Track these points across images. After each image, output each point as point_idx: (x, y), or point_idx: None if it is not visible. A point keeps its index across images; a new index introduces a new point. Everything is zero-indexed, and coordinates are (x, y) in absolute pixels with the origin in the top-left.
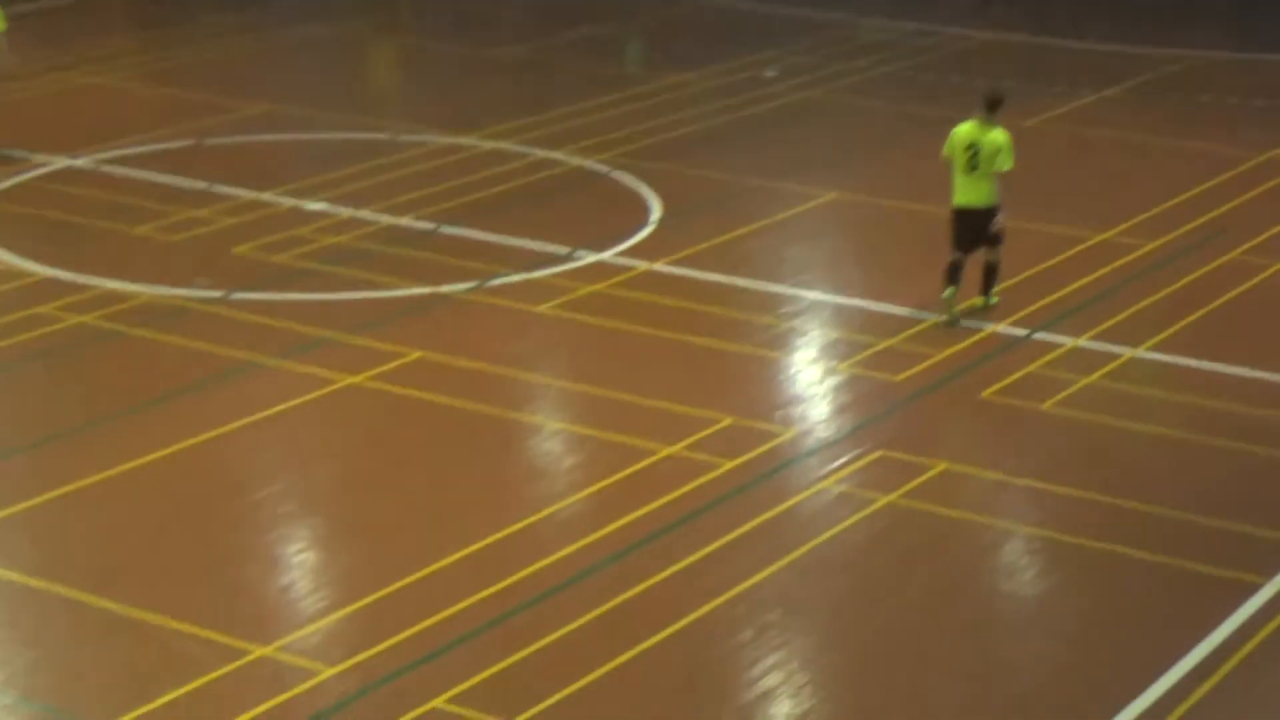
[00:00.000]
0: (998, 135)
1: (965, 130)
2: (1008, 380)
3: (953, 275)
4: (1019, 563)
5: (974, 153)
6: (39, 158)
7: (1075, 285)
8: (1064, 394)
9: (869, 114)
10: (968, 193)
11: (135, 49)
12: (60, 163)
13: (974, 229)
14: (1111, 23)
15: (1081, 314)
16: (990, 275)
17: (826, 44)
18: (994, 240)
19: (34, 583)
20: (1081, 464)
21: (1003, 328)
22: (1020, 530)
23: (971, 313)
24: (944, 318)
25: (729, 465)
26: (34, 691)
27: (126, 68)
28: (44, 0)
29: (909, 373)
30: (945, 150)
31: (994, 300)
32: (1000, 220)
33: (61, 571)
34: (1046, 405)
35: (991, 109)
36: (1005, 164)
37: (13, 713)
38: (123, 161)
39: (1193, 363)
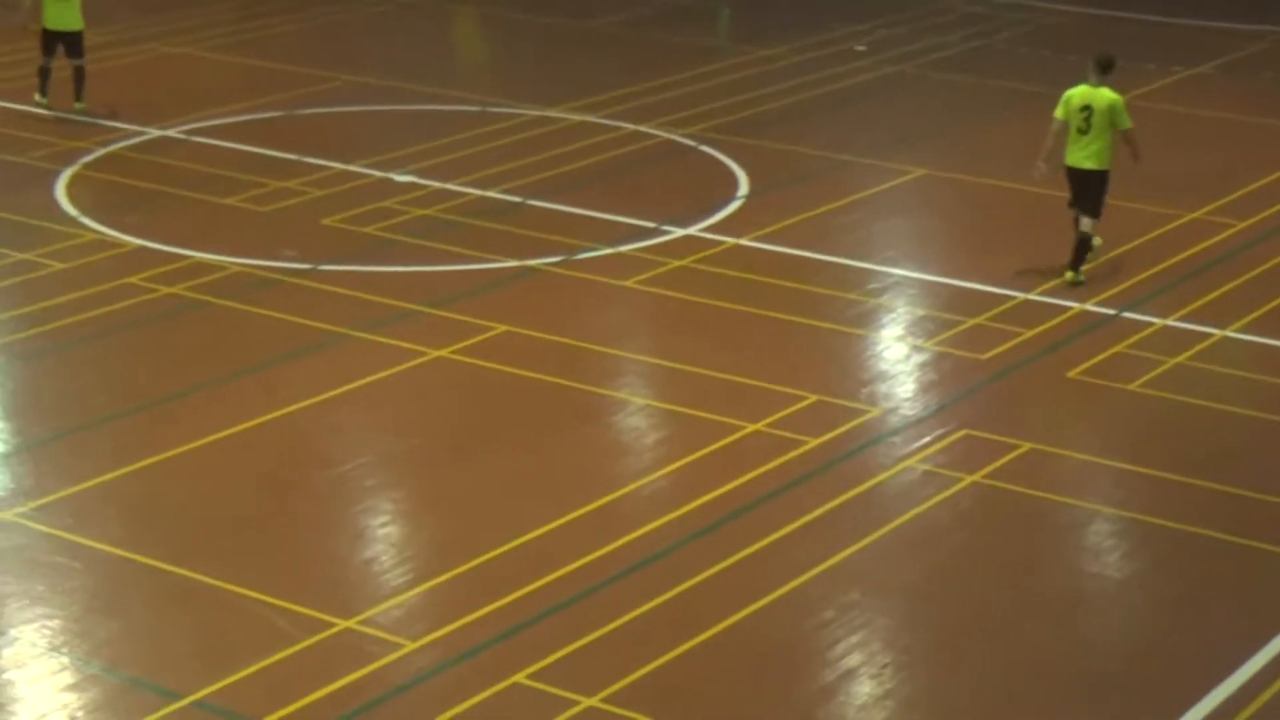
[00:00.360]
0: (1110, 96)
1: (1079, 92)
2: (1095, 360)
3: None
4: (1104, 544)
5: (1088, 114)
6: (130, 127)
7: (1165, 264)
8: (1152, 374)
9: (960, 89)
10: (1080, 154)
11: (227, 19)
12: (151, 132)
13: (1082, 189)
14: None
15: (1171, 293)
16: (1081, 249)
17: (917, 18)
18: (1092, 211)
19: (119, 553)
20: (1168, 445)
21: (1091, 306)
22: (1105, 511)
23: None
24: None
25: (814, 442)
26: (118, 662)
27: (218, 38)
28: None
29: (995, 351)
30: (1059, 112)
31: (1080, 279)
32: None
33: (146, 542)
34: (1134, 385)
35: (1104, 71)
36: (1124, 123)
37: (97, 683)
38: (213, 132)
39: None
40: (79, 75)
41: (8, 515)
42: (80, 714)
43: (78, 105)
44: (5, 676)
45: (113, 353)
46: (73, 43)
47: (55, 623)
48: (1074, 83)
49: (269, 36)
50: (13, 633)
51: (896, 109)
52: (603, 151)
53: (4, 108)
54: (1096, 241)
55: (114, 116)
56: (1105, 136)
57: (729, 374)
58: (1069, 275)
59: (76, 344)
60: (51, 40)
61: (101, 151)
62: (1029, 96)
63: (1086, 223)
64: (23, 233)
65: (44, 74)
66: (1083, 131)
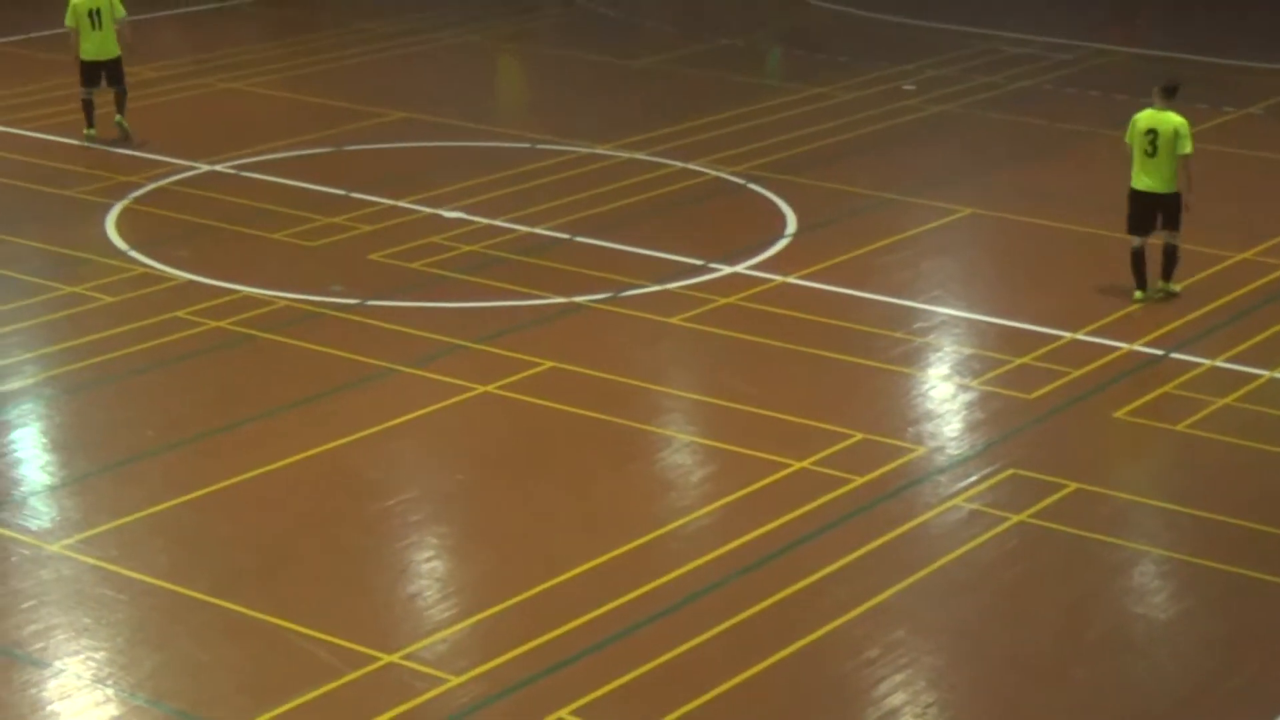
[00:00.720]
0: (1176, 120)
1: (1145, 117)
2: (1143, 400)
3: (1138, 272)
4: (1151, 585)
5: (1153, 138)
6: (180, 162)
7: (1213, 305)
8: (1199, 415)
9: (1008, 129)
10: (1147, 177)
11: (276, 55)
12: (201, 167)
13: (1151, 213)
14: (1252, 39)
15: (1219, 334)
16: (1170, 260)
17: (966, 58)
18: (1173, 223)
19: (165, 585)
20: (1216, 486)
21: (1139, 346)
22: (1153, 552)
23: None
24: (1142, 295)
25: (859, 481)
26: (163, 694)
27: (267, 73)
28: (188, 6)
29: (1042, 390)
30: (1126, 136)
31: (1175, 289)
32: (1186, 202)
33: (192, 575)
34: (1181, 426)
35: (1169, 95)
36: (1185, 148)
37: (142, 715)
38: (263, 167)
39: None
40: (121, 98)
41: (55, 547)
42: None
43: (118, 119)
44: (51, 708)
45: (160, 386)
46: (113, 70)
47: (101, 654)
48: (1123, 122)
49: (320, 73)
50: (58, 664)
51: (944, 148)
52: (650, 189)
53: (55, 142)
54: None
55: (144, 147)
56: (1172, 160)
57: (775, 411)
58: (1161, 285)
59: (124, 377)
60: (93, 71)
61: (151, 186)
62: (1077, 136)
63: (1171, 235)
64: (72, 266)
65: (88, 107)
66: (1149, 155)
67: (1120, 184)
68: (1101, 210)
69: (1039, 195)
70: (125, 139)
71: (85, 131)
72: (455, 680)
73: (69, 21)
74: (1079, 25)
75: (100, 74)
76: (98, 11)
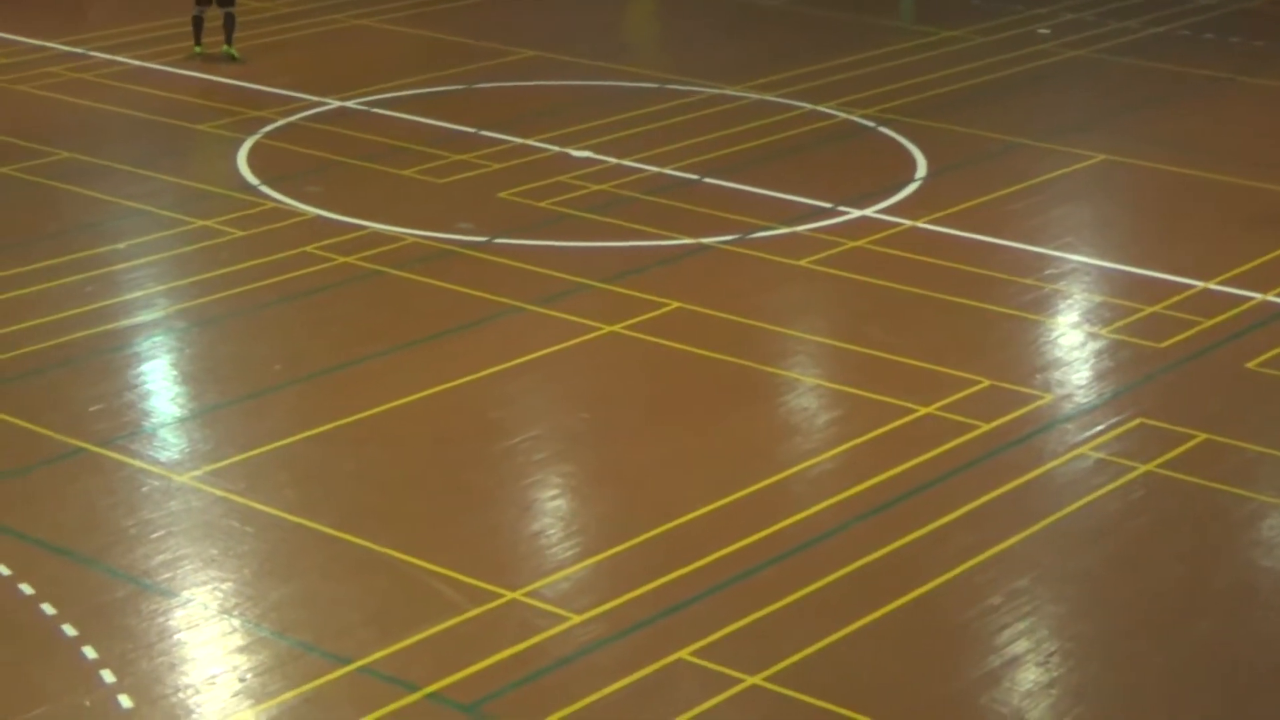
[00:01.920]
0: None
1: None
2: (1275, 350)
3: None
4: (1278, 537)
5: None
6: (311, 98)
7: None
8: None
9: (1143, 74)
10: None
11: None
12: (332, 103)
13: None
14: None
15: None
16: None
17: (1102, 1)
18: None
19: (291, 518)
20: None
21: (1272, 297)
22: None
23: None
24: None
25: (986, 427)
26: (288, 626)
27: (396, 10)
28: None
29: (1173, 340)
30: None
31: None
32: None
33: (318, 509)
34: None
35: None
36: None
37: (267, 646)
38: (393, 104)
39: None
40: (229, 21)
41: (184, 478)
42: (249, 676)
43: (226, 49)
44: (178, 637)
45: (289, 320)
46: None
47: (227, 585)
48: (1262, 70)
49: (450, 10)
50: (185, 594)
51: (1078, 93)
52: (780, 131)
53: (191, 77)
54: None
55: (274, 81)
56: None
57: (902, 356)
58: None
59: (253, 311)
60: None
61: (283, 122)
62: (1213, 83)
63: None
64: (204, 200)
65: (197, 24)
66: None
67: (1257, 131)
68: (1236, 158)
69: (1172, 143)
70: (233, 62)
71: (194, 49)
72: (577, 618)
73: None
74: None
75: None
76: None
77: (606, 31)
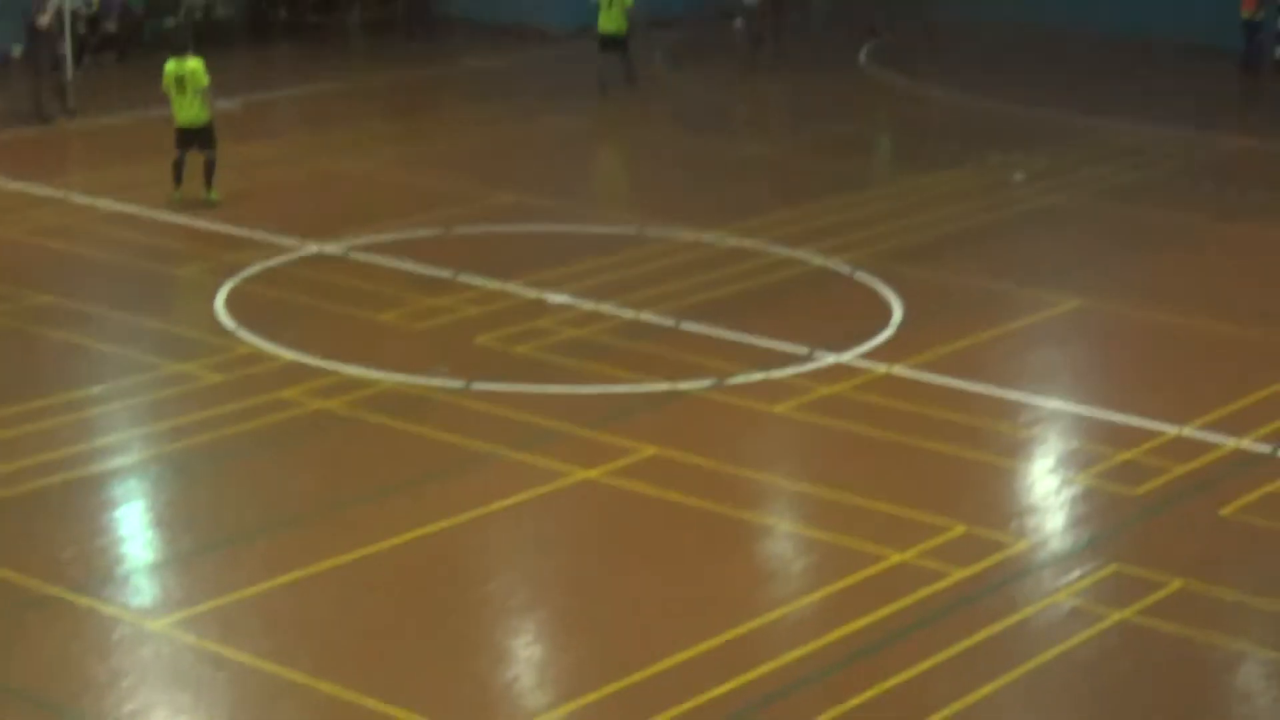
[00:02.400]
0: None
1: None
2: (1249, 497)
3: None
4: (1256, 686)
5: None
6: (290, 242)
7: None
8: None
9: (1117, 220)
10: None
11: (388, 136)
12: (311, 248)
13: None
14: None
15: None
16: None
17: (1076, 148)
18: None
19: (265, 666)
20: None
21: (1247, 443)
22: (1258, 653)
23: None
24: None
25: (960, 574)
26: None
27: (379, 155)
28: (304, 87)
29: (1148, 486)
30: None
31: None
32: None
33: (293, 656)
34: None
35: None
36: None
37: None
38: (372, 248)
39: None
40: (209, 166)
41: (157, 625)
42: None
43: (207, 194)
44: None
45: (265, 466)
46: (203, 136)
47: None
48: (1235, 215)
49: (430, 154)
50: None
51: (1053, 239)
52: (757, 276)
53: (170, 221)
54: None
55: (255, 226)
56: None
57: (877, 502)
58: None
59: (230, 456)
60: (182, 136)
61: (261, 266)
62: (1188, 229)
63: None
64: (181, 344)
65: (177, 167)
66: None
67: (1231, 276)
68: (1210, 304)
69: (1147, 288)
70: (212, 206)
71: (173, 193)
72: None
73: (163, 87)
74: (1191, 117)
75: (190, 140)
76: (182, 79)
77: (586, 177)
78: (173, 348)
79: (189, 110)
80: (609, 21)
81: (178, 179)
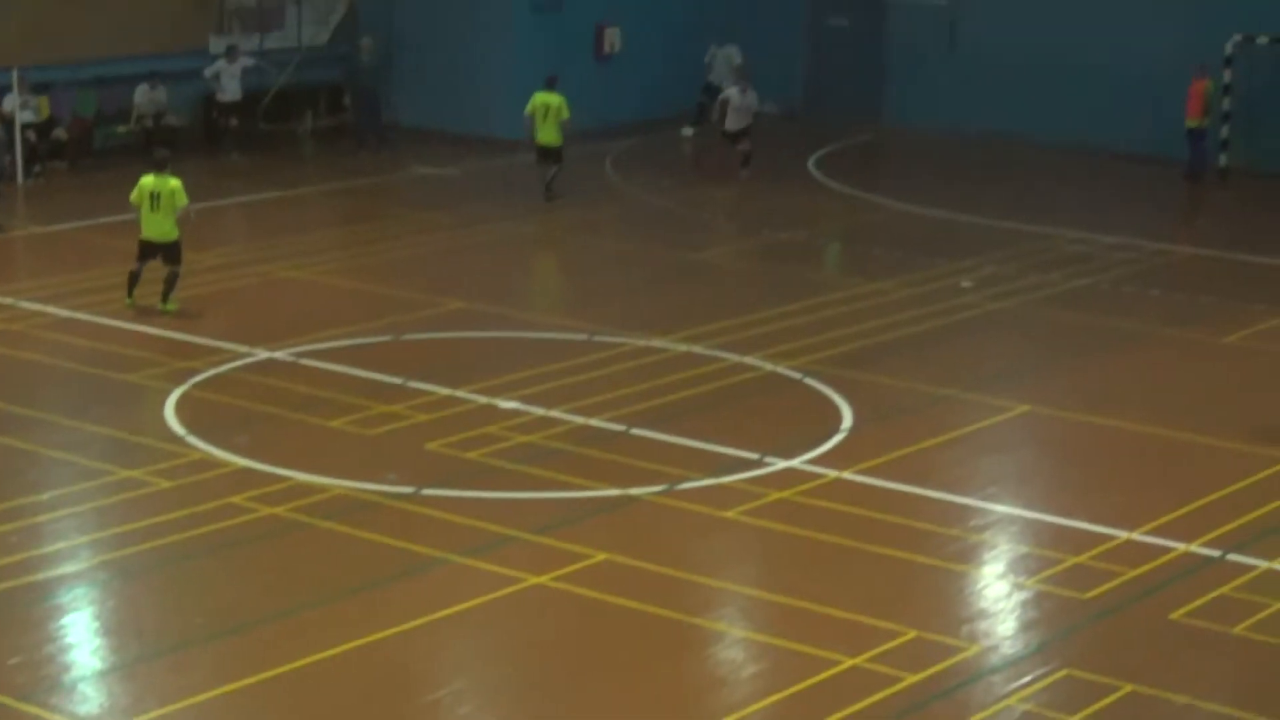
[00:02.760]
0: None
1: None
2: (1199, 602)
3: None
4: None
5: None
6: (240, 348)
7: (1270, 506)
8: (1258, 617)
9: (1065, 327)
10: None
11: (338, 243)
12: (261, 354)
13: None
14: None
15: (1277, 535)
16: None
17: (1024, 255)
18: None
19: None
20: (1273, 690)
21: (1195, 547)
22: None
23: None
24: None
25: (912, 679)
26: None
27: (329, 261)
28: (255, 194)
29: (1098, 590)
30: None
31: None
32: None
33: None
34: (1238, 629)
35: None
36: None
37: None
38: (322, 355)
39: None
40: (171, 279)
41: None
42: None
43: (165, 306)
44: None
45: (214, 572)
46: (169, 252)
47: None
48: (1182, 321)
49: (381, 262)
50: None
51: (1001, 345)
52: (707, 382)
53: (120, 328)
54: None
55: (205, 333)
56: None
57: (828, 607)
58: None
59: (178, 562)
60: (146, 249)
61: (211, 372)
62: (1135, 335)
63: None
64: (130, 450)
65: (132, 279)
66: None
67: (1178, 382)
68: (1158, 409)
69: (1095, 394)
70: (172, 314)
71: (125, 301)
72: None
73: (133, 198)
74: (1137, 224)
75: (155, 253)
76: (158, 195)
77: (535, 283)
78: (122, 454)
79: (159, 225)
80: (545, 134)
81: (132, 289)
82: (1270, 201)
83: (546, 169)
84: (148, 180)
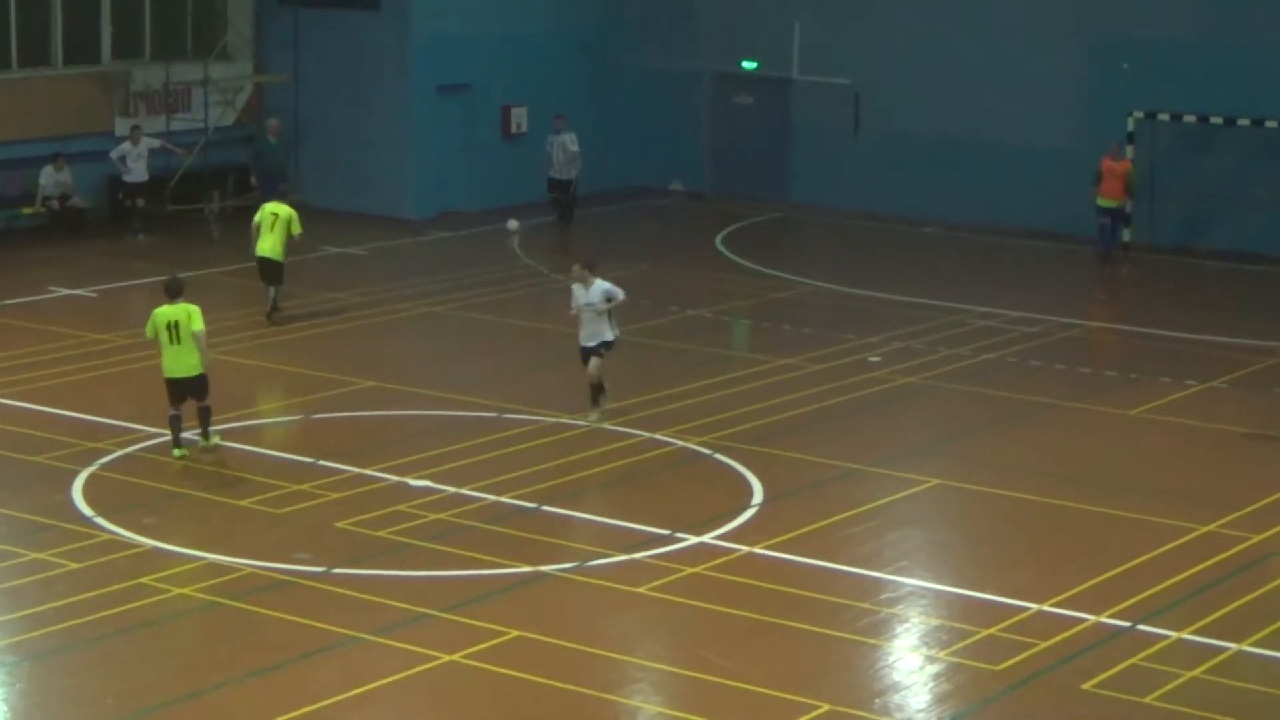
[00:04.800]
0: None
1: None
2: (1110, 672)
3: None
4: None
5: None
6: (149, 429)
7: (1179, 577)
8: (1168, 687)
9: (973, 401)
10: None
11: (247, 324)
12: (167, 435)
13: None
14: (1216, 317)
15: (1185, 606)
16: None
17: (931, 330)
18: None
19: None
20: None
21: (1105, 618)
22: None
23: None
24: None
25: None
26: None
27: (236, 342)
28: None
29: (1010, 662)
30: None
31: None
32: None
33: None
34: (1150, 699)
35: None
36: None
37: None
38: (232, 435)
39: None
40: (204, 415)
41: None
42: None
43: (206, 443)
44: None
45: (123, 653)
46: (197, 387)
47: None
48: (1089, 395)
49: (290, 341)
50: None
51: (910, 419)
52: (617, 459)
53: (25, 409)
54: None
55: (113, 414)
56: None
57: (741, 682)
58: None
59: (87, 644)
60: (175, 389)
61: (120, 453)
62: (1040, 408)
63: None
64: (37, 532)
65: (174, 423)
66: None
67: (1085, 454)
68: (1065, 482)
69: (1003, 466)
70: (214, 451)
71: (173, 451)
72: None
73: (148, 332)
74: (1044, 300)
75: (184, 392)
76: (176, 325)
77: (446, 363)
78: (30, 536)
79: (184, 360)
80: (266, 245)
81: (178, 437)
82: (1172, 276)
83: (268, 288)
84: (163, 311)
